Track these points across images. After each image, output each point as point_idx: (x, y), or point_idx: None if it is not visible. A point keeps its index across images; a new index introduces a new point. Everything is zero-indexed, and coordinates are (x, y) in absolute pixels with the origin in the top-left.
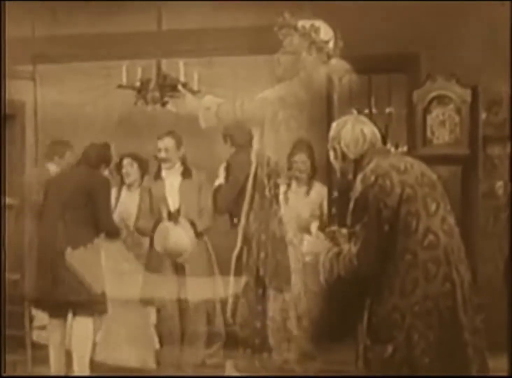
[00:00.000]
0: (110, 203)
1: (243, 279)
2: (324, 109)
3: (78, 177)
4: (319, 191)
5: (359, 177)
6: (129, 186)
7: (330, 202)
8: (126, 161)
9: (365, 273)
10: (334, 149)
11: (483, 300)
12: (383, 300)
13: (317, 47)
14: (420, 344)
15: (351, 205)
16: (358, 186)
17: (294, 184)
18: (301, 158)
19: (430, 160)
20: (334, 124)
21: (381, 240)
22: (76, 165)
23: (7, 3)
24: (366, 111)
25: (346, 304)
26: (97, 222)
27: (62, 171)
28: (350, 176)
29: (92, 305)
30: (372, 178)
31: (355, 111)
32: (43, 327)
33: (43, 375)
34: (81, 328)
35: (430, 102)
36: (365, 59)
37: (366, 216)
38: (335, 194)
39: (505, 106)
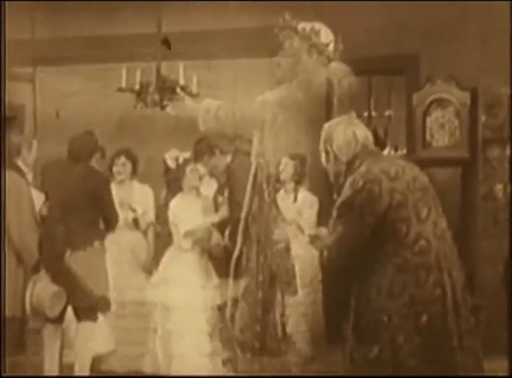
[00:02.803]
0: (113, 199)
1: (243, 283)
2: (324, 112)
3: (78, 178)
4: (305, 197)
5: (349, 180)
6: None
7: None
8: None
9: (335, 265)
10: (327, 152)
11: (482, 301)
12: (370, 299)
13: (317, 50)
14: (405, 346)
15: (337, 204)
16: (347, 190)
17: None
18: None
19: (430, 163)
20: (325, 127)
21: (358, 242)
22: (68, 161)
23: (7, 4)
24: (366, 114)
25: (332, 304)
26: (103, 216)
27: (56, 170)
28: (342, 179)
29: (93, 308)
30: (361, 183)
31: (354, 114)
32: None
33: (43, 375)
34: (83, 333)
35: (430, 105)
36: (364, 61)
37: (349, 215)
38: (335, 196)
39: (504, 108)
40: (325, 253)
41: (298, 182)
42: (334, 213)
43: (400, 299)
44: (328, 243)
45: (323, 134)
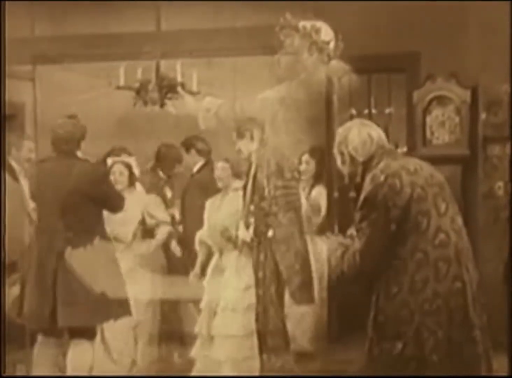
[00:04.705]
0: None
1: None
2: (324, 110)
3: (71, 176)
4: (319, 193)
5: (369, 177)
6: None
7: (330, 203)
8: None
9: (367, 269)
10: (342, 154)
11: (483, 300)
12: (391, 296)
13: (318, 48)
14: (430, 341)
15: (360, 202)
16: (367, 185)
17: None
18: (305, 159)
19: (430, 161)
20: (339, 130)
21: (387, 239)
22: (58, 157)
23: (7, 3)
24: (366, 111)
25: (352, 301)
26: (108, 205)
27: (49, 167)
28: (358, 179)
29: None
30: (382, 177)
31: (354, 112)
32: None
33: (43, 375)
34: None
35: (430, 102)
36: (365, 59)
37: (374, 213)
38: (336, 194)
39: (504, 106)
40: (358, 258)
41: (316, 179)
42: (357, 215)
43: (422, 294)
44: (358, 247)
45: (337, 138)
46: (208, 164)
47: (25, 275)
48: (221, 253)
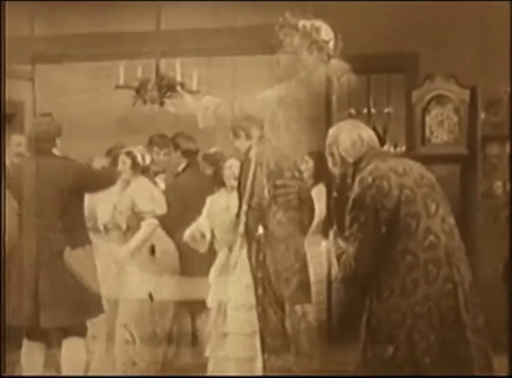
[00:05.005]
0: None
1: (242, 281)
2: (323, 109)
3: (64, 176)
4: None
5: (357, 179)
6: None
7: (329, 203)
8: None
9: (362, 273)
10: (332, 155)
11: (482, 300)
12: (383, 299)
13: (317, 47)
14: (421, 344)
15: (349, 205)
16: (356, 188)
17: None
18: (305, 159)
19: (429, 160)
20: (330, 131)
21: (379, 241)
22: (36, 156)
23: (7, 3)
24: (365, 111)
25: (346, 304)
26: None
27: (28, 166)
28: (349, 180)
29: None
30: (370, 179)
31: (353, 111)
32: None
33: (42, 375)
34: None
35: (429, 102)
36: (364, 58)
37: (363, 216)
38: (335, 194)
39: (504, 106)
40: (353, 265)
41: (316, 180)
42: (348, 218)
43: (413, 297)
44: (352, 253)
45: (328, 139)
46: (191, 166)
47: (9, 273)
48: (230, 250)
